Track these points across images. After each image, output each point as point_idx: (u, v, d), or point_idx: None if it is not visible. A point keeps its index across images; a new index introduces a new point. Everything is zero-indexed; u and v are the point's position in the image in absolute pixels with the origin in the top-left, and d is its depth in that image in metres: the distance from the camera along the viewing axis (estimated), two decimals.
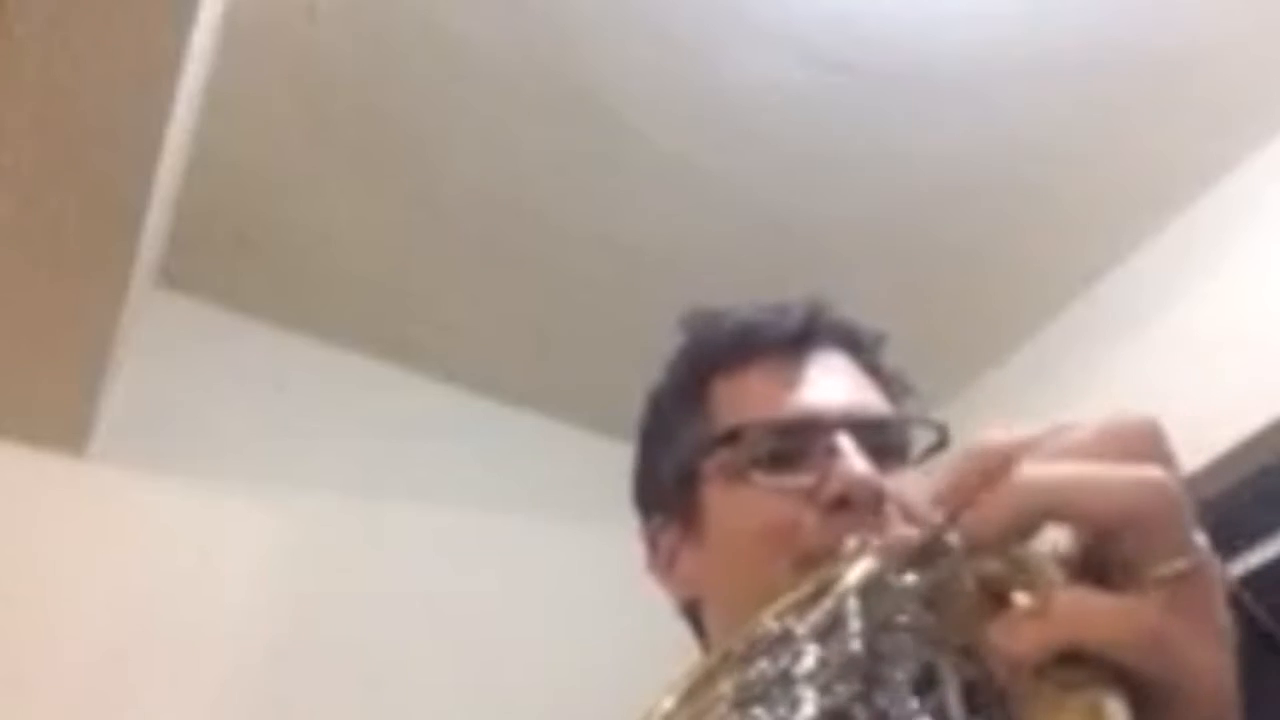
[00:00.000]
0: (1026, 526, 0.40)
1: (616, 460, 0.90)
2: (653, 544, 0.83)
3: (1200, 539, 0.39)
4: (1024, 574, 0.39)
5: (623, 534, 0.87)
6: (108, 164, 1.51)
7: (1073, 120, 1.87)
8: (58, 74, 1.40)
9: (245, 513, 2.02)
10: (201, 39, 1.50)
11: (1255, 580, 1.74)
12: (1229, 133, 1.89)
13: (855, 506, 0.69)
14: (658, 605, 0.84)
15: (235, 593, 1.95)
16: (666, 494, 0.80)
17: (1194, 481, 1.67)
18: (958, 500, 0.41)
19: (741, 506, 0.74)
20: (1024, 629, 0.38)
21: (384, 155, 1.96)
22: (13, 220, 1.56)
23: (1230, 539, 1.79)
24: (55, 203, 1.55)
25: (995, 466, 0.40)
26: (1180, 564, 0.38)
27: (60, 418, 1.86)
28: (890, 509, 0.69)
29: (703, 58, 1.81)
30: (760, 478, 0.73)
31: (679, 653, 0.70)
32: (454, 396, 2.33)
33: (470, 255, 2.12)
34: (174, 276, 2.06)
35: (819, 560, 0.46)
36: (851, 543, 0.46)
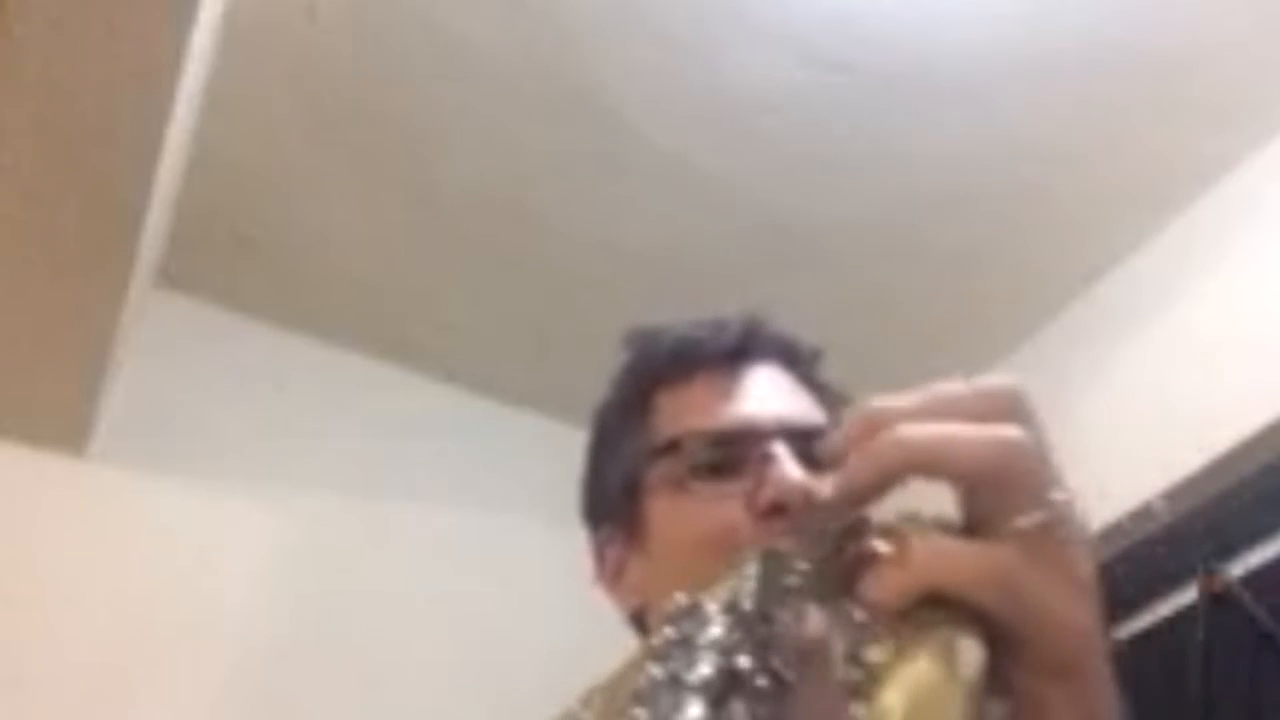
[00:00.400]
0: (894, 479, 0.42)
1: None
2: (600, 556, 0.86)
3: (1059, 495, 0.42)
4: (894, 533, 0.42)
5: None
6: (108, 164, 1.51)
7: (1073, 120, 1.87)
8: (58, 74, 1.40)
9: (245, 513, 2.02)
10: (201, 39, 1.50)
11: (1255, 580, 1.74)
12: (1229, 133, 1.89)
13: (789, 512, 0.72)
14: None
15: (235, 592, 1.95)
16: (612, 506, 0.84)
17: (1194, 481, 1.67)
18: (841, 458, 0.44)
19: (682, 514, 0.77)
20: (886, 576, 0.41)
21: (384, 155, 1.96)
22: (13, 220, 1.56)
23: (1230, 539, 1.79)
24: (55, 203, 1.55)
25: (875, 429, 0.43)
26: (1037, 517, 0.41)
27: (60, 418, 1.86)
28: None
29: (703, 58, 1.80)
30: (699, 486, 0.77)
31: None
32: (454, 396, 2.33)
33: (470, 255, 2.12)
34: (174, 276, 2.06)
35: None
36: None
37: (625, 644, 0.66)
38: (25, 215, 1.56)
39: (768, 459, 0.74)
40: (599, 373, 0.90)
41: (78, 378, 1.80)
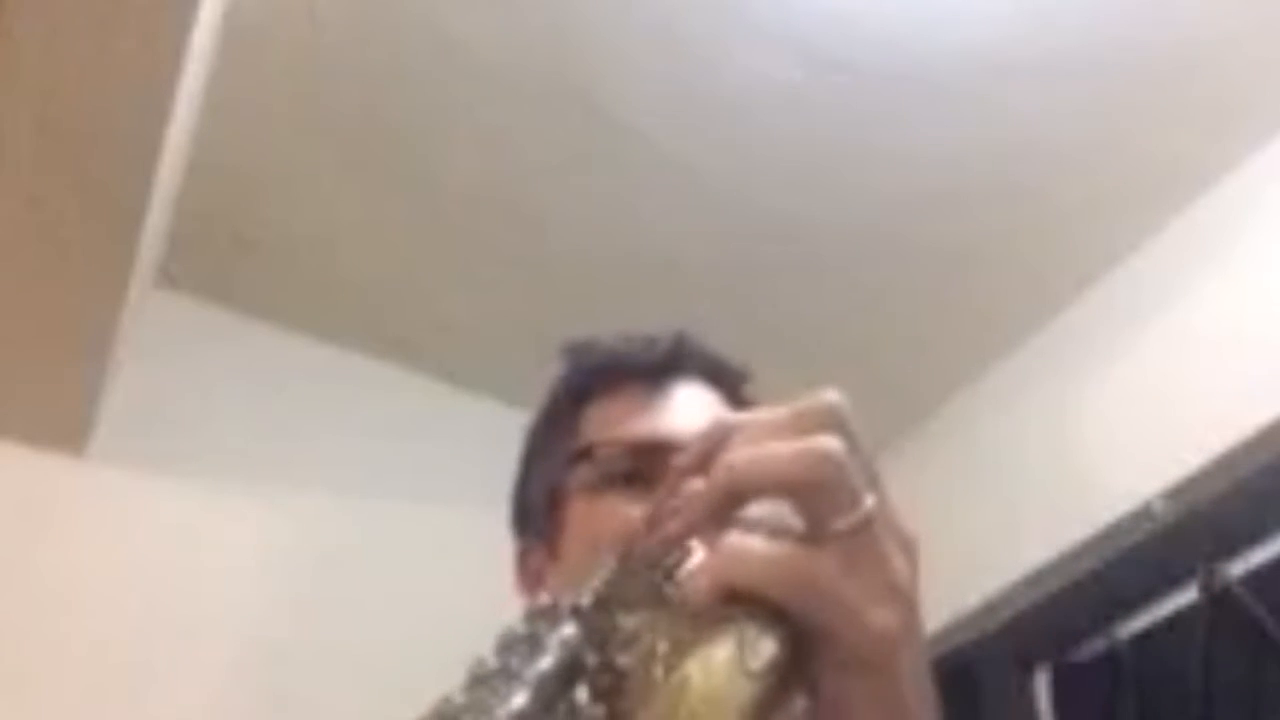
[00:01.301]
0: (730, 506, 0.45)
1: None
2: (522, 564, 0.88)
3: (872, 500, 0.44)
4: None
5: None
6: (108, 164, 1.51)
7: (1072, 120, 1.87)
8: (58, 74, 1.40)
9: (245, 513, 2.02)
10: (201, 39, 1.50)
11: (1255, 580, 1.74)
12: (1229, 133, 1.89)
13: None
14: None
15: (235, 592, 1.94)
16: (536, 514, 0.86)
17: (1194, 481, 1.67)
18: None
19: (594, 521, 0.79)
20: (695, 575, 0.43)
21: (384, 155, 1.96)
22: (13, 220, 1.56)
23: (1230, 539, 1.79)
24: (55, 203, 1.55)
25: (708, 449, 0.47)
26: (850, 520, 0.43)
27: (60, 418, 1.86)
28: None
29: (703, 58, 1.80)
30: (613, 494, 0.79)
31: None
32: (454, 396, 2.33)
33: (470, 255, 2.12)
34: (174, 276, 2.06)
35: None
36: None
37: None
38: (25, 215, 1.56)
39: None
40: None
41: (78, 378, 1.80)
